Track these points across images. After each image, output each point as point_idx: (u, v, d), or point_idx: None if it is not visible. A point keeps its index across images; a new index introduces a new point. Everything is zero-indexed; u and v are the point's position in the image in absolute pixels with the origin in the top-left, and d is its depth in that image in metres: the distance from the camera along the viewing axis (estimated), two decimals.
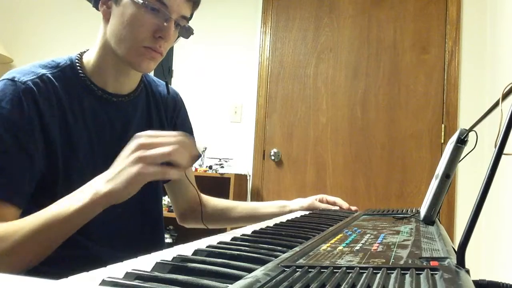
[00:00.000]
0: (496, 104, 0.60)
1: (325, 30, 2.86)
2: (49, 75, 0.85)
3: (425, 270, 0.35)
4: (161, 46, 0.87)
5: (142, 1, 0.83)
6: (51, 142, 0.82)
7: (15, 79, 0.80)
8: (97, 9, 0.90)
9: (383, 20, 2.75)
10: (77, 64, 0.90)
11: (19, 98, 0.79)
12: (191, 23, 0.93)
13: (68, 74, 0.88)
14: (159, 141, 0.67)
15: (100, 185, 0.67)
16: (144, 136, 0.68)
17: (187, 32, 0.92)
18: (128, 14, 0.84)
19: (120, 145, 0.93)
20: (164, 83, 1.06)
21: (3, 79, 0.81)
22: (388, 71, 2.72)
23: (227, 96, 3.06)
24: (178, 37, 0.93)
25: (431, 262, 0.39)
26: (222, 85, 3.07)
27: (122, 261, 0.45)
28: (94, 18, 3.71)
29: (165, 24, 0.85)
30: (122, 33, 0.85)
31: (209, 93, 3.07)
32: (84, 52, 0.94)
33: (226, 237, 0.60)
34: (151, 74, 1.08)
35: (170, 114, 1.07)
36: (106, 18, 0.88)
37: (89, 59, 0.91)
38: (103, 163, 0.90)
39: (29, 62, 0.86)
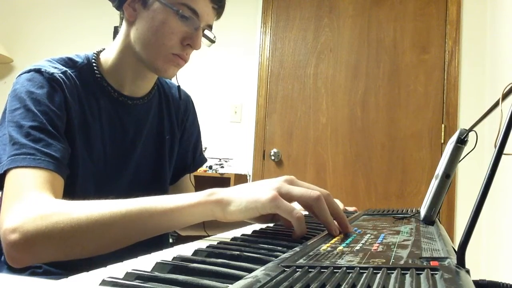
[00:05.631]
0: (496, 104, 0.60)
1: (325, 30, 2.86)
2: (71, 73, 0.85)
3: (425, 270, 0.35)
4: (187, 53, 0.87)
5: (175, 8, 0.83)
6: (71, 134, 0.81)
7: (42, 70, 0.81)
8: (118, 9, 0.89)
9: (383, 20, 2.75)
10: (94, 64, 0.89)
11: (49, 84, 0.79)
12: None
13: (85, 74, 0.88)
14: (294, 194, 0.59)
15: (222, 190, 0.60)
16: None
17: (210, 41, 0.93)
18: (159, 19, 0.83)
19: (131, 149, 0.93)
20: (176, 86, 1.06)
21: (28, 71, 0.81)
22: (388, 71, 2.72)
23: (227, 96, 3.05)
24: None
25: (431, 262, 0.39)
26: (222, 85, 3.07)
27: (122, 261, 0.45)
28: (93, 18, 3.70)
29: (194, 32, 0.85)
30: (151, 38, 0.85)
31: (209, 93, 3.07)
32: (100, 51, 0.93)
33: (226, 237, 0.60)
34: None
35: (181, 116, 1.06)
36: (131, 21, 0.87)
37: (107, 59, 0.91)
38: (114, 165, 0.90)
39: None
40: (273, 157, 2.87)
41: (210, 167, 2.79)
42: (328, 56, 2.84)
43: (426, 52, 2.65)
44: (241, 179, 2.81)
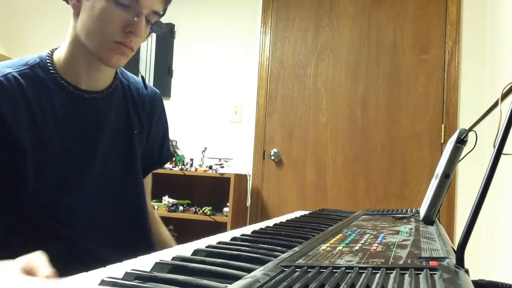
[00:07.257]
0: (495, 104, 0.60)
1: (325, 30, 2.86)
2: (15, 74, 0.84)
3: (424, 270, 0.35)
4: (131, 41, 0.86)
5: None
6: (16, 141, 0.81)
7: None
8: (68, 2, 0.89)
9: (383, 20, 2.75)
10: (48, 61, 0.89)
11: None
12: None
13: (37, 71, 0.87)
14: None
15: None
16: None
17: (159, 28, 0.91)
18: (98, 8, 0.83)
19: (95, 141, 0.93)
20: (141, 80, 1.04)
21: None
22: (388, 71, 2.72)
23: (227, 96, 3.05)
24: (150, 33, 0.92)
25: (430, 262, 0.39)
26: (222, 85, 3.07)
27: (121, 261, 0.45)
28: None
29: (135, 19, 0.84)
30: (92, 27, 0.85)
31: (209, 93, 3.07)
32: (55, 49, 0.93)
33: (226, 237, 0.61)
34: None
35: (148, 112, 1.05)
36: (76, 12, 0.88)
37: (60, 55, 0.91)
38: (79, 160, 0.90)
39: None
40: (273, 157, 2.87)
41: (210, 167, 2.79)
42: (328, 56, 2.84)
43: (426, 52, 2.65)
44: (241, 179, 2.81)
